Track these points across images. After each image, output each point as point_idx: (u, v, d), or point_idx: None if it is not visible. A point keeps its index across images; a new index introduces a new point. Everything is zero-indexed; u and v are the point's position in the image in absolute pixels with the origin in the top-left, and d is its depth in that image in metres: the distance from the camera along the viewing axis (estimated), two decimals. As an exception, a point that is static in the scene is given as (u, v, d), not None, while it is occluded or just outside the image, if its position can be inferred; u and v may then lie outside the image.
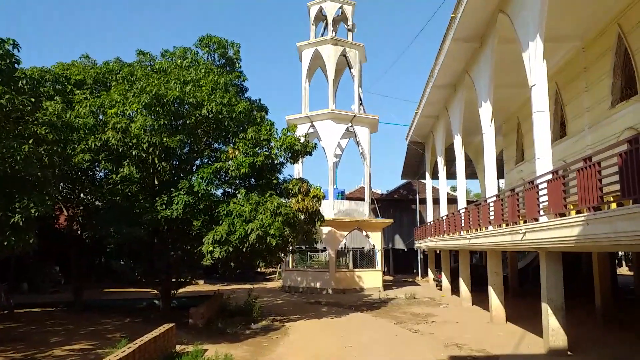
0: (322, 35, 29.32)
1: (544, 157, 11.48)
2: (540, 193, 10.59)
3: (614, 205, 7.87)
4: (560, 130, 18.51)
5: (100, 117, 14.19)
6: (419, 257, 37.24)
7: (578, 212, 8.76)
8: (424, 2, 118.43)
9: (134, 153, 13.30)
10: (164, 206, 13.68)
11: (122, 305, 19.03)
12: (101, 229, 14.05)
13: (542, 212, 10.58)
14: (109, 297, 22.07)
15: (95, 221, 14.63)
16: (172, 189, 13.93)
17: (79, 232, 17.88)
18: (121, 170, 13.57)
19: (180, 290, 17.81)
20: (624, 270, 35.48)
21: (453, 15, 16.18)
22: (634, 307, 17.40)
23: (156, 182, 15.16)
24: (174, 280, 16.68)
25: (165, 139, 13.40)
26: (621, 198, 7.30)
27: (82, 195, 17.26)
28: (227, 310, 17.00)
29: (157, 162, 14.08)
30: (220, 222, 13.60)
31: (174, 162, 15.52)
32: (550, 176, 10.11)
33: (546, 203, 10.25)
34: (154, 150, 13.58)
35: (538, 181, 10.78)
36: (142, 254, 15.87)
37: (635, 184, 6.75)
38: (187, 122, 14.46)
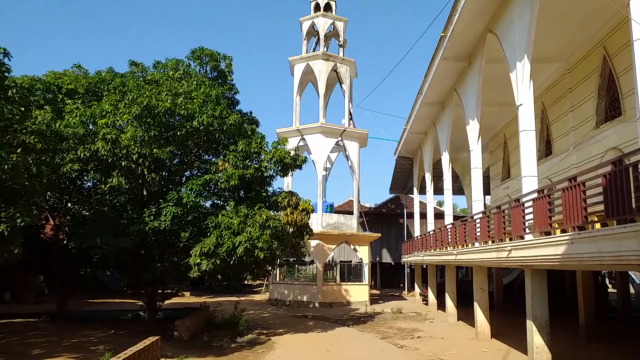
0: (313, 50, 29.60)
1: (529, 175, 11.66)
2: (526, 211, 10.75)
3: (598, 225, 8.03)
4: (546, 148, 18.81)
5: (91, 127, 14.15)
6: (405, 272, 37.31)
7: (563, 231, 8.92)
8: (415, 20, 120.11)
9: (123, 164, 13.26)
10: (152, 217, 13.63)
11: (106, 316, 18.78)
12: (88, 239, 13.92)
13: (527, 230, 10.73)
14: (94, 308, 21.77)
15: (82, 231, 14.51)
16: (160, 200, 13.89)
17: (64, 241, 17.70)
18: (110, 180, 13.51)
19: (166, 301, 17.66)
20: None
21: (443, 34, 16.47)
22: (617, 324, 17.61)
23: (145, 193, 15.11)
24: (160, 291, 16.55)
25: (155, 150, 13.39)
26: (605, 218, 7.46)
27: (69, 204, 17.12)
28: (213, 323, 16.87)
29: (146, 173, 14.06)
30: (208, 234, 13.58)
31: (164, 174, 15.50)
32: (535, 195, 10.28)
33: (532, 221, 10.40)
34: (144, 161, 13.56)
35: (524, 199, 10.95)
36: (128, 265, 15.74)
37: (619, 205, 6.91)
38: (178, 133, 14.48)
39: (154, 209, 13.75)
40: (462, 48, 16.68)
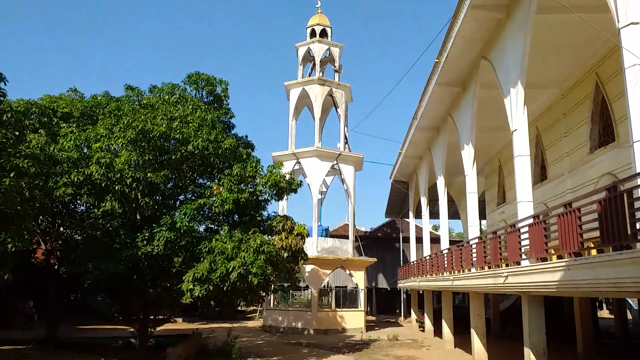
0: (309, 75, 29.87)
1: (525, 200, 11.64)
2: (522, 237, 10.70)
3: (594, 252, 7.98)
4: (541, 173, 18.88)
5: (85, 150, 14.09)
6: (402, 297, 36.93)
7: (559, 257, 8.86)
8: (411, 45, 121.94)
9: (117, 188, 13.16)
10: (144, 242, 13.47)
11: (97, 343, 18.40)
12: (80, 264, 13.72)
13: (524, 256, 10.67)
14: (84, 334, 21.35)
15: (73, 256, 14.31)
16: (154, 225, 13.76)
17: (56, 266, 17.44)
18: (103, 204, 13.38)
19: (158, 328, 17.34)
20: (604, 313, 35.60)
21: (437, 60, 16.67)
22: (614, 351, 17.39)
23: (138, 217, 14.97)
24: (152, 317, 16.26)
25: (149, 175, 13.32)
26: (601, 244, 7.42)
27: (61, 228, 16.93)
28: (206, 350, 16.56)
29: (140, 197, 13.95)
30: (202, 259, 13.40)
31: (158, 198, 15.38)
32: (531, 220, 10.25)
33: (528, 247, 10.34)
34: (138, 185, 13.47)
35: (519, 225, 10.91)
36: (120, 291, 15.48)
37: (614, 231, 6.88)
38: (173, 157, 14.43)
39: (147, 234, 13.60)
40: (456, 74, 16.87)
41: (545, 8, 11.30)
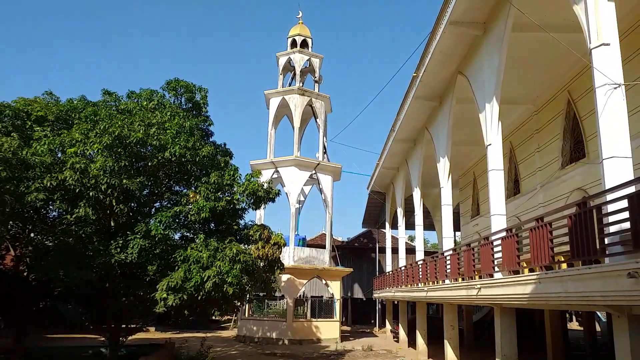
0: (289, 85, 29.99)
1: (498, 213, 11.87)
2: (495, 249, 10.89)
3: (564, 266, 8.17)
4: (514, 187, 19.26)
5: (59, 155, 13.80)
6: (377, 307, 37.02)
7: (531, 270, 9.03)
8: (391, 59, 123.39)
9: (91, 194, 12.91)
10: (118, 249, 13.21)
11: (66, 352, 17.90)
12: (50, 270, 13.36)
13: (496, 268, 10.85)
14: (54, 343, 20.76)
15: (44, 262, 13.93)
16: (128, 232, 13.52)
17: (25, 273, 16.95)
18: (76, 210, 13.09)
19: (130, 337, 16.99)
20: (574, 325, 36.29)
21: (415, 74, 16.94)
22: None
23: (112, 224, 14.70)
24: (123, 326, 15.92)
25: (125, 181, 13.11)
26: (571, 259, 7.61)
27: (32, 234, 16.48)
28: (179, 360, 16.30)
29: (114, 204, 13.70)
30: (176, 268, 13.21)
31: (133, 205, 15.13)
32: (504, 233, 10.45)
33: (500, 259, 10.52)
34: (112, 191, 13.23)
35: (493, 237, 11.10)
36: (91, 299, 15.13)
37: (583, 245, 7.07)
38: (149, 164, 14.24)
39: (121, 241, 13.35)
40: (433, 88, 17.17)
41: (521, 26, 11.62)
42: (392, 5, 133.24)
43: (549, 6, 11.19)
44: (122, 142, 13.26)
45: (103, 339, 16.53)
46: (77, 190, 12.83)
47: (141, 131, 13.48)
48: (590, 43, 7.81)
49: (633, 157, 7.23)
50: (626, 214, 6.15)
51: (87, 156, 13.44)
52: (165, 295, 12.69)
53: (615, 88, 7.34)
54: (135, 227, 13.38)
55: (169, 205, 15.42)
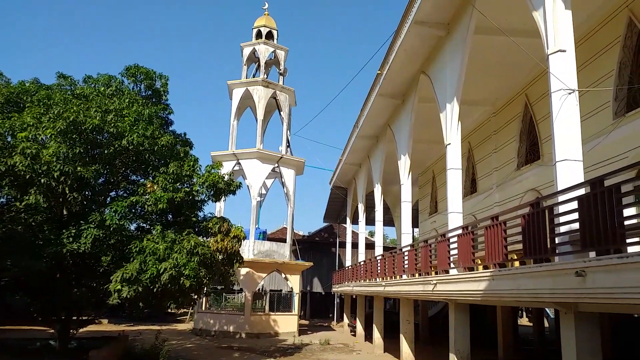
0: (253, 76, 29.66)
1: (455, 211, 12.11)
2: (451, 246, 11.12)
3: (517, 264, 8.42)
4: (471, 186, 19.74)
5: (9, 139, 13.17)
6: (335, 302, 37.31)
7: (485, 267, 9.28)
8: (357, 55, 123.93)
9: (42, 181, 12.38)
10: (70, 239, 12.75)
11: (12, 345, 17.14)
12: (-4, 260, 12.78)
13: (452, 265, 11.09)
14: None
15: (-11, 252, 13.30)
16: (81, 221, 13.08)
17: (-32, 262, 16.15)
18: (26, 198, 12.54)
19: (82, 329, 16.49)
20: (524, 321, 37.63)
21: (380, 71, 17.06)
22: (532, 357, 18.42)
23: (65, 213, 14.18)
24: (74, 318, 15.42)
25: (79, 169, 12.65)
26: (523, 257, 7.85)
27: (-23, 222, 15.69)
28: (132, 353, 15.89)
29: (67, 192, 13.21)
30: (132, 259, 12.88)
31: (87, 193, 14.63)
32: (460, 231, 10.68)
33: (456, 256, 10.76)
34: (66, 179, 12.74)
35: (449, 234, 11.33)
36: (41, 289, 14.57)
37: (535, 244, 7.30)
38: (105, 152, 13.79)
39: (73, 230, 12.89)
40: (397, 86, 17.34)
41: (483, 29, 11.86)
42: (360, 1, 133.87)
43: (510, 11, 11.47)
44: (77, 128, 12.78)
45: (52, 331, 15.97)
46: (28, 176, 12.28)
47: (98, 117, 13.04)
48: (547, 49, 8.03)
49: (584, 160, 7.51)
50: (576, 215, 6.38)
51: (39, 141, 12.93)
52: (119, 286, 12.36)
53: (569, 93, 7.59)
54: (89, 217, 12.97)
55: (125, 194, 15.01)
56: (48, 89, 15.34)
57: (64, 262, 13.65)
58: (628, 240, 5.62)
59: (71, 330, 15.36)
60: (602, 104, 11.56)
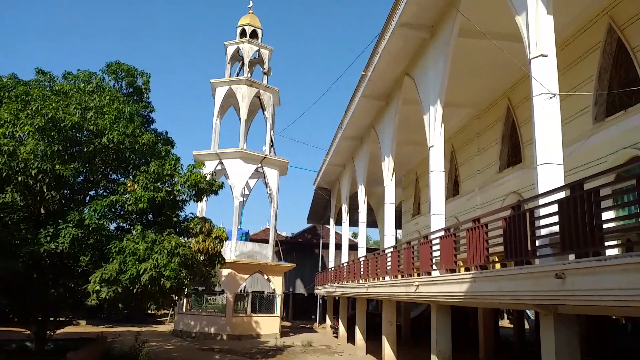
0: (237, 75, 29.48)
1: (438, 213, 12.17)
2: (434, 248, 11.15)
3: (498, 266, 8.47)
4: (454, 188, 19.87)
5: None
6: (318, 303, 37.25)
7: (467, 269, 9.31)
8: (342, 57, 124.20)
9: (20, 179, 12.09)
10: (48, 238, 12.48)
11: (-15, 347, 16.75)
12: (-30, 260, 12.44)
13: (434, 267, 11.12)
14: (-30, 337, 19.38)
15: (-37, 251, 12.94)
16: (60, 220, 12.81)
17: (-59, 262, 15.70)
18: (3, 196, 12.25)
19: (59, 331, 16.16)
20: (505, 322, 38.04)
21: (364, 73, 17.07)
22: (512, 358, 18.60)
23: (43, 212, 13.88)
24: (52, 319, 15.11)
25: (57, 167, 12.38)
26: (505, 259, 7.90)
27: (-50, 220, 15.27)
28: (111, 355, 15.65)
29: (45, 190, 12.92)
30: (111, 259, 12.66)
31: (65, 192, 14.34)
32: (442, 233, 10.72)
33: (438, 258, 10.80)
34: (44, 177, 12.46)
35: (431, 236, 11.37)
36: (17, 290, 14.23)
37: (516, 247, 7.35)
38: (85, 150, 13.53)
39: (51, 230, 12.62)
40: (381, 88, 17.37)
41: (466, 32, 11.93)
42: (346, 2, 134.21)
43: (494, 15, 11.55)
44: (56, 125, 12.52)
45: (29, 332, 15.63)
46: (4, 174, 11.99)
47: (77, 114, 12.79)
48: (529, 53, 8.10)
49: (564, 164, 7.58)
50: (556, 218, 6.43)
51: (16, 138, 12.62)
52: (98, 287, 12.13)
53: (551, 97, 7.66)
54: (68, 216, 12.71)
55: (105, 193, 14.75)
56: (26, 84, 15.02)
57: (41, 262, 13.35)
58: (606, 243, 5.68)
59: (48, 332, 15.04)
60: (583, 108, 11.73)
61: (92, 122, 13.01)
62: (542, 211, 6.88)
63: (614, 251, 7.24)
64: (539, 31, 8.00)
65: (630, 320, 17.73)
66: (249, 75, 28.89)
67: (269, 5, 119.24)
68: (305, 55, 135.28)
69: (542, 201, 6.96)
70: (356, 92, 18.93)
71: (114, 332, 23.45)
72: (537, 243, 7.00)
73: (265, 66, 29.66)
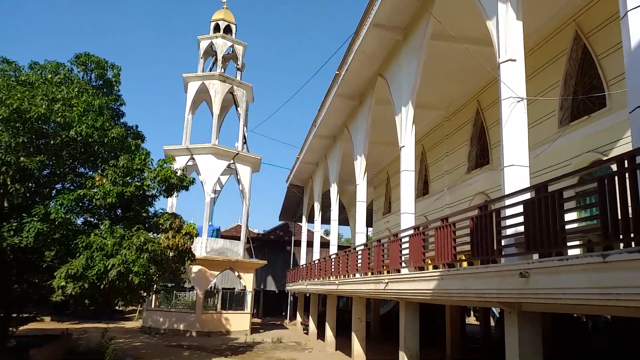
0: (210, 70, 29.18)
1: (407, 212, 12.36)
2: (403, 246, 11.32)
3: (465, 264, 8.66)
4: (423, 188, 20.18)
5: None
6: (289, 300, 37.27)
7: (435, 267, 9.50)
8: (316, 52, 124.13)
9: (-19, 171, 11.74)
10: (11, 233, 12.13)
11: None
12: None
13: (403, 264, 11.29)
14: None
15: None
16: (24, 214, 12.47)
17: None
18: (-37, 188, 11.86)
19: (22, 327, 15.76)
20: (471, 319, 38.84)
21: (338, 72, 17.16)
22: (478, 354, 19.05)
23: (6, 205, 13.46)
24: (14, 316, 14.70)
25: (22, 159, 12.04)
26: (471, 258, 8.09)
27: None
28: (76, 352, 15.33)
29: (9, 182, 12.53)
30: (78, 254, 12.40)
31: (30, 185, 13.96)
32: (412, 231, 10.89)
33: (408, 256, 10.97)
34: (7, 169, 12.10)
35: (401, 234, 11.54)
36: (-23, 286, 13.80)
37: (483, 246, 7.54)
38: (52, 142, 13.20)
39: (15, 224, 12.26)
40: (354, 87, 17.50)
41: (439, 35, 12.13)
42: (323, 1, 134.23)
43: (465, 19, 11.78)
44: (21, 116, 12.20)
45: (-11, 329, 15.16)
46: (-35, 166, 11.61)
47: (44, 106, 12.48)
48: (499, 57, 8.31)
49: (530, 166, 7.82)
50: (521, 219, 6.62)
51: (-22, 129, 12.22)
52: (63, 283, 11.88)
53: (518, 101, 7.88)
54: (33, 209, 12.38)
55: (72, 187, 14.42)
56: (-10, 74, 14.54)
57: (4, 257, 12.98)
58: (568, 244, 5.88)
59: (11, 328, 14.63)
60: (549, 112, 12.08)
61: (60, 114, 12.72)
62: (508, 211, 7.08)
63: (576, 251, 7.50)
64: (509, 36, 8.22)
65: (591, 317, 18.41)
66: (223, 70, 28.64)
67: (244, 1, 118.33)
68: (280, 53, 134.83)
69: (508, 202, 7.15)
70: (330, 91, 19.00)
71: (80, 328, 22.98)
72: (503, 242, 7.20)
73: (239, 62, 29.44)
